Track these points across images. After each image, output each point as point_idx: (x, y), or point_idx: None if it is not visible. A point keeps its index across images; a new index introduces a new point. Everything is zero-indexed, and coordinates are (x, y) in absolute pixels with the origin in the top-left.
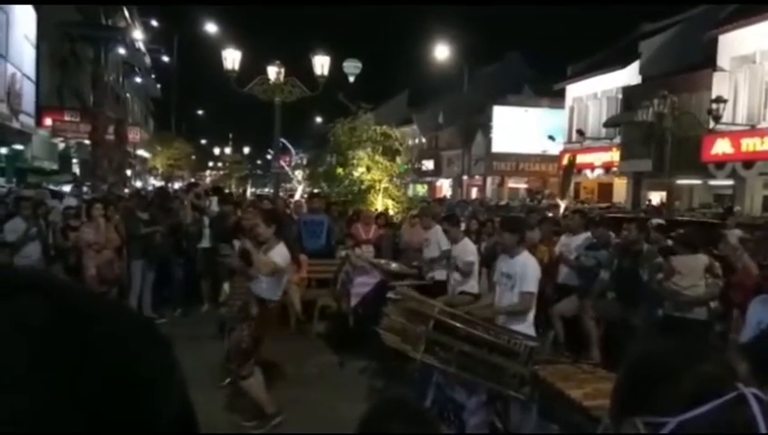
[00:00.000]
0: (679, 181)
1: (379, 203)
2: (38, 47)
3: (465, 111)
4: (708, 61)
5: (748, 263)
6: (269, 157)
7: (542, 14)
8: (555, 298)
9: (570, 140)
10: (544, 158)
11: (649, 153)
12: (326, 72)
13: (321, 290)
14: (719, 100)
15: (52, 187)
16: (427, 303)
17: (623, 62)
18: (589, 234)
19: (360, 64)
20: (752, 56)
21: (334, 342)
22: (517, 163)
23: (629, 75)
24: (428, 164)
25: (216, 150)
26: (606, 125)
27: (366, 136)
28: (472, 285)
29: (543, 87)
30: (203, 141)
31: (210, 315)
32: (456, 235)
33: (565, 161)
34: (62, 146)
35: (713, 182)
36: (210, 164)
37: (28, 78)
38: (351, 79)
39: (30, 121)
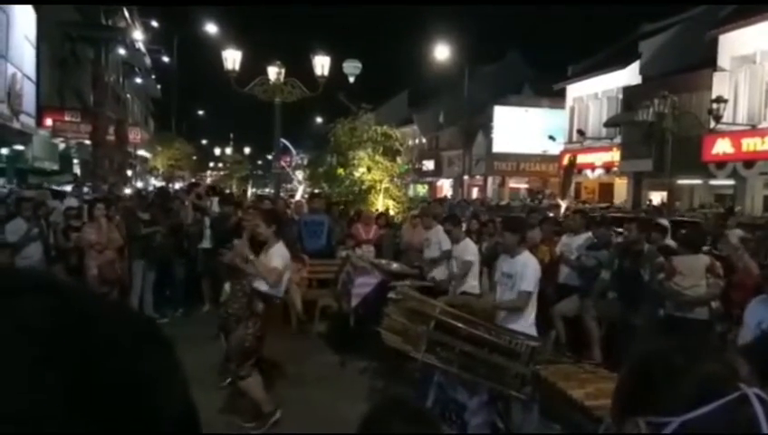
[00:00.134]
0: (680, 181)
1: (380, 203)
2: (38, 47)
3: (466, 111)
4: (709, 61)
5: (749, 263)
6: (270, 157)
7: (542, 14)
8: (556, 298)
9: (570, 140)
10: (545, 158)
11: (650, 153)
12: (326, 73)
13: (322, 290)
14: (719, 99)
15: (54, 187)
16: (428, 303)
17: (623, 62)
18: (590, 234)
19: (360, 64)
20: (752, 56)
21: (335, 342)
22: (518, 163)
23: (630, 75)
24: (429, 164)
25: (217, 151)
26: (606, 125)
27: (366, 136)
28: (473, 285)
29: (544, 87)
30: (203, 142)
31: (211, 316)
32: (457, 235)
33: (566, 161)
34: (62, 146)
35: (713, 182)
36: (211, 164)
37: (28, 78)
38: (352, 79)
39: (30, 122)
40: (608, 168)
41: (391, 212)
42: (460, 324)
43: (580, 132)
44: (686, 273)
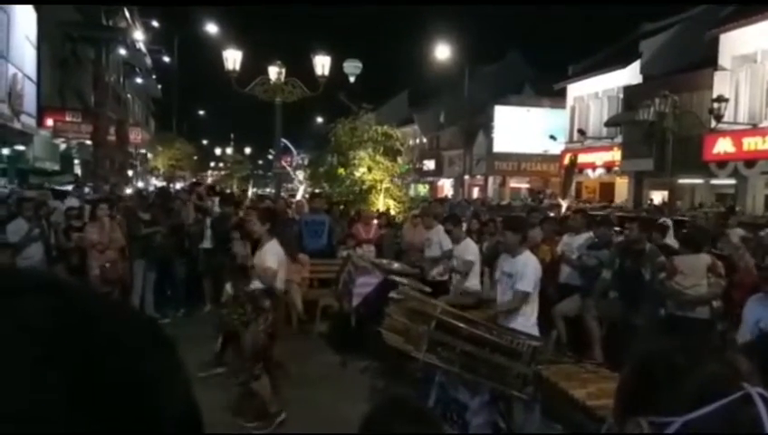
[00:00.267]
0: (681, 181)
1: (381, 203)
2: (39, 48)
3: (467, 110)
4: (709, 60)
5: (749, 262)
6: (270, 157)
7: (542, 14)
8: (557, 298)
9: (571, 140)
10: (546, 157)
11: (651, 152)
12: (327, 73)
13: (323, 290)
14: (720, 99)
15: (55, 187)
16: (429, 303)
17: (624, 62)
18: (591, 233)
19: (360, 64)
20: (753, 55)
21: (336, 342)
22: (519, 163)
23: (630, 75)
24: (430, 164)
25: (218, 151)
26: (607, 124)
27: (367, 136)
28: (474, 285)
29: (544, 87)
30: (204, 142)
31: (212, 316)
32: (458, 235)
33: (567, 161)
34: (63, 147)
35: (714, 181)
36: (212, 164)
37: (29, 79)
38: (352, 79)
39: (31, 122)
40: (608, 167)
41: (392, 212)
42: (461, 324)
43: (581, 132)
44: (687, 272)
